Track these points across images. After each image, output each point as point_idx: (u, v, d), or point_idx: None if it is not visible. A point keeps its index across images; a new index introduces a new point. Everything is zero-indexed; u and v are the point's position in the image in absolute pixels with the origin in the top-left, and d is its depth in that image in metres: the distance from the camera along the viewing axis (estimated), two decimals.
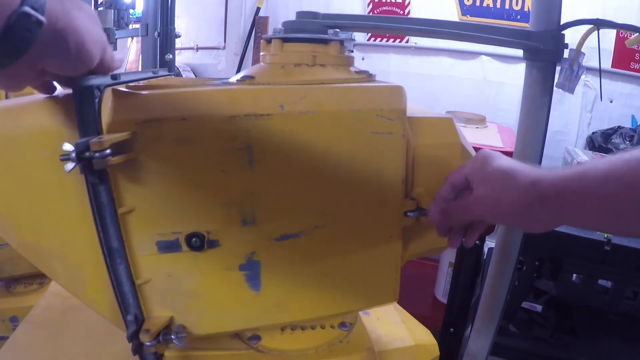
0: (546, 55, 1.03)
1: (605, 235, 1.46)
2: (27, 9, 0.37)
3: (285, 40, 0.69)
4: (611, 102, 2.54)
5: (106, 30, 2.07)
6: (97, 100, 0.53)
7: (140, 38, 2.13)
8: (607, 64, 2.40)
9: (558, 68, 1.09)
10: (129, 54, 3.82)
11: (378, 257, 0.69)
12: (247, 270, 0.63)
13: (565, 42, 1.03)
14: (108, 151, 0.49)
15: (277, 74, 0.67)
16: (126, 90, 0.54)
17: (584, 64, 1.12)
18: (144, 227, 0.58)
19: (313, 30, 0.69)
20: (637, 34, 1.09)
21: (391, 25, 0.97)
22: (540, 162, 1.12)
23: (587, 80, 2.51)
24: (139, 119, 0.53)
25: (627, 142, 2.31)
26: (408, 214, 0.66)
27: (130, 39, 3.64)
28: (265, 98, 0.58)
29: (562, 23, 1.02)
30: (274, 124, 0.57)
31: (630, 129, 2.43)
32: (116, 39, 2.15)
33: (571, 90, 1.14)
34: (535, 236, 1.16)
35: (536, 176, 0.54)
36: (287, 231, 0.62)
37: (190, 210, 0.58)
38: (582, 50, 1.10)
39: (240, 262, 0.62)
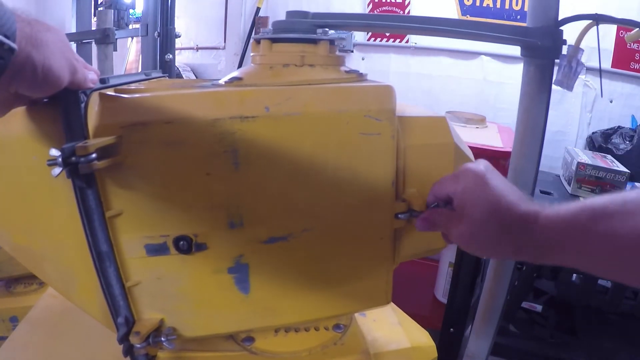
0: (544, 52, 1.01)
1: None
2: (1, 37, 0.38)
3: (273, 40, 0.69)
4: (611, 102, 2.53)
5: (106, 31, 2.07)
6: (83, 104, 0.53)
7: (140, 38, 2.13)
8: (607, 64, 2.38)
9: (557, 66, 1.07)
10: (129, 54, 3.83)
11: (369, 259, 0.68)
12: (236, 273, 0.62)
13: (564, 38, 1.01)
14: (94, 155, 0.49)
15: (265, 75, 0.67)
16: (112, 94, 0.54)
17: (583, 63, 1.10)
18: (132, 230, 0.58)
19: (302, 30, 0.68)
20: (637, 29, 1.07)
21: (383, 23, 0.96)
22: (539, 160, 1.10)
23: (587, 80, 2.49)
24: (124, 123, 0.53)
25: (627, 142, 2.30)
26: (399, 215, 0.66)
27: (130, 39, 3.64)
28: (251, 100, 0.57)
29: (560, 19, 1.00)
30: (260, 126, 0.57)
31: (630, 129, 2.42)
32: (116, 39, 2.15)
33: (570, 87, 1.12)
34: None
35: (524, 219, 0.52)
36: (275, 234, 0.62)
37: (177, 214, 0.58)
38: (583, 49, 1.09)
39: (229, 265, 0.62)
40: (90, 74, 0.53)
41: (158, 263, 0.60)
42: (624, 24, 1.07)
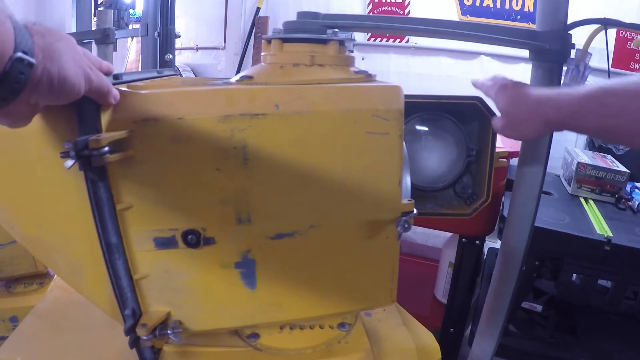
0: (552, 56, 1.01)
1: (605, 235, 1.46)
2: (20, 54, 0.40)
3: (284, 40, 0.70)
4: None
5: (106, 30, 2.07)
6: None
7: (140, 38, 2.13)
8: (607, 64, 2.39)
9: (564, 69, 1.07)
10: (129, 54, 3.83)
11: (374, 258, 0.69)
12: (243, 268, 0.63)
13: (572, 42, 1.01)
14: (106, 149, 0.50)
15: (276, 74, 0.68)
16: (125, 89, 0.55)
17: (591, 66, 1.10)
18: (142, 223, 0.59)
19: (313, 31, 0.69)
20: None
21: (391, 25, 0.96)
22: (546, 163, 1.10)
23: (588, 80, 2.49)
24: (137, 118, 0.54)
25: None
26: (405, 215, 0.66)
27: (130, 39, 3.64)
28: (261, 98, 0.58)
29: (568, 23, 1.00)
30: (269, 123, 0.58)
31: None
32: (116, 39, 2.15)
33: None
34: (536, 236, 1.16)
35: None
36: (282, 230, 0.63)
37: (187, 208, 0.59)
38: (591, 53, 1.09)
39: (236, 259, 0.63)
40: (114, 91, 0.54)
41: (166, 256, 0.61)
42: (632, 28, 1.08)
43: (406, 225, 0.64)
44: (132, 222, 0.58)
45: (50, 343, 0.82)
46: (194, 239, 0.59)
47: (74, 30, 2.42)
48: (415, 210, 0.66)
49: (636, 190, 1.85)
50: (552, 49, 0.99)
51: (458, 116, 1.16)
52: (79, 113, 0.52)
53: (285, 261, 0.65)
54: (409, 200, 0.67)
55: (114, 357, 0.76)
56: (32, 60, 0.41)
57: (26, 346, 0.82)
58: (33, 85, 0.43)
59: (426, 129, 1.20)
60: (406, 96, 0.64)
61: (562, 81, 1.07)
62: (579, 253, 1.51)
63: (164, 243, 0.60)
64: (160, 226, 0.59)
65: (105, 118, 0.53)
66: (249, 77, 0.64)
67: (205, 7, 3.73)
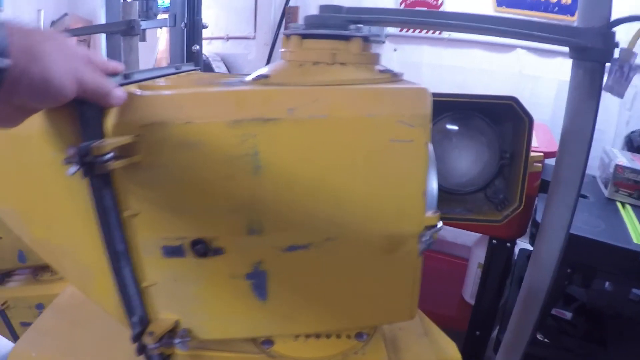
0: (594, 55, 0.94)
1: None
2: None
3: (304, 36, 0.65)
4: None
5: (131, 22, 2.07)
6: None
7: (169, 28, 2.13)
8: None
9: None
10: (159, 43, 3.86)
11: (394, 273, 0.65)
12: (254, 279, 0.61)
13: (616, 40, 0.94)
14: (110, 155, 0.48)
15: (293, 73, 0.64)
16: (132, 91, 0.53)
17: (638, 64, 1.03)
18: (149, 231, 0.57)
19: (335, 26, 0.65)
20: None
21: (420, 19, 0.91)
22: (584, 170, 1.03)
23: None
24: (143, 122, 0.52)
25: None
26: (429, 228, 0.62)
27: (159, 28, 3.66)
28: (275, 100, 0.55)
29: (612, 19, 0.93)
30: (283, 129, 0.54)
31: None
32: (143, 30, 2.15)
33: (620, 94, 1.05)
34: (569, 243, 1.10)
35: None
36: (295, 242, 0.59)
37: (195, 216, 0.57)
38: (636, 52, 1.01)
39: (247, 270, 0.60)
40: (117, 92, 0.51)
41: (174, 265, 0.59)
42: None
43: (430, 241, 0.60)
44: (139, 229, 0.56)
45: (66, 338, 0.82)
46: (202, 249, 0.57)
47: (103, 21, 2.44)
48: (440, 224, 0.62)
49: None
50: (593, 48, 0.92)
51: (491, 116, 1.10)
52: (81, 117, 0.50)
53: (298, 274, 0.62)
54: (434, 213, 0.62)
55: (129, 353, 0.76)
56: (6, 61, 0.39)
57: (42, 341, 0.82)
58: (11, 87, 0.40)
59: (457, 128, 1.15)
60: (437, 95, 0.60)
61: (604, 83, 1.00)
62: (613, 262, 1.44)
63: (172, 252, 0.58)
64: (168, 234, 0.57)
65: (110, 122, 0.51)
66: (265, 77, 0.61)
67: None
